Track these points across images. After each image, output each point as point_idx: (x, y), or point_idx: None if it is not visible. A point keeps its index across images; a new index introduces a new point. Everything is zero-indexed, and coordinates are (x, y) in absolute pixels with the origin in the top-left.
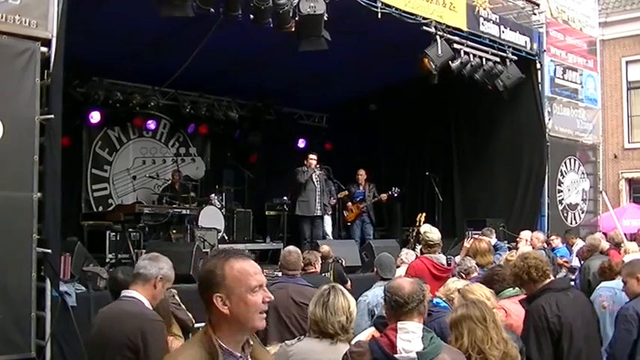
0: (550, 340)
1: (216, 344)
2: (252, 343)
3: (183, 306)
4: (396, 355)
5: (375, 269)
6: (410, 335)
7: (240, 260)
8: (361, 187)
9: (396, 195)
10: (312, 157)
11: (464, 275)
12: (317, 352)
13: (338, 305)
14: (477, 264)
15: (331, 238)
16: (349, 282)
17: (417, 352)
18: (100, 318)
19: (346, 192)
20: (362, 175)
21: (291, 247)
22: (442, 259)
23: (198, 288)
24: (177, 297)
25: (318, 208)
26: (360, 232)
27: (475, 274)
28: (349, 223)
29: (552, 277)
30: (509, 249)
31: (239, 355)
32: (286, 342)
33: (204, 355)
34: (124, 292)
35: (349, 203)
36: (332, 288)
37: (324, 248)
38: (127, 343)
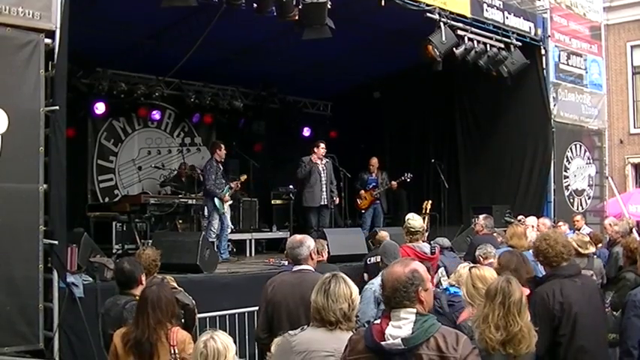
0: (550, 327)
1: None
2: None
3: (181, 289)
4: (382, 342)
5: (380, 257)
6: (401, 322)
7: None
8: (373, 175)
9: (408, 180)
10: (322, 145)
11: (482, 259)
12: (318, 341)
13: (339, 293)
14: (511, 246)
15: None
16: None
17: (402, 339)
18: (289, 282)
19: (245, 176)
20: (374, 164)
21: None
22: (425, 247)
23: None
24: (173, 282)
25: (324, 197)
26: (372, 220)
27: (492, 259)
28: (363, 211)
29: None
30: None
31: None
32: (289, 332)
33: None
34: (297, 267)
35: (362, 191)
36: (333, 276)
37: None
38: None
